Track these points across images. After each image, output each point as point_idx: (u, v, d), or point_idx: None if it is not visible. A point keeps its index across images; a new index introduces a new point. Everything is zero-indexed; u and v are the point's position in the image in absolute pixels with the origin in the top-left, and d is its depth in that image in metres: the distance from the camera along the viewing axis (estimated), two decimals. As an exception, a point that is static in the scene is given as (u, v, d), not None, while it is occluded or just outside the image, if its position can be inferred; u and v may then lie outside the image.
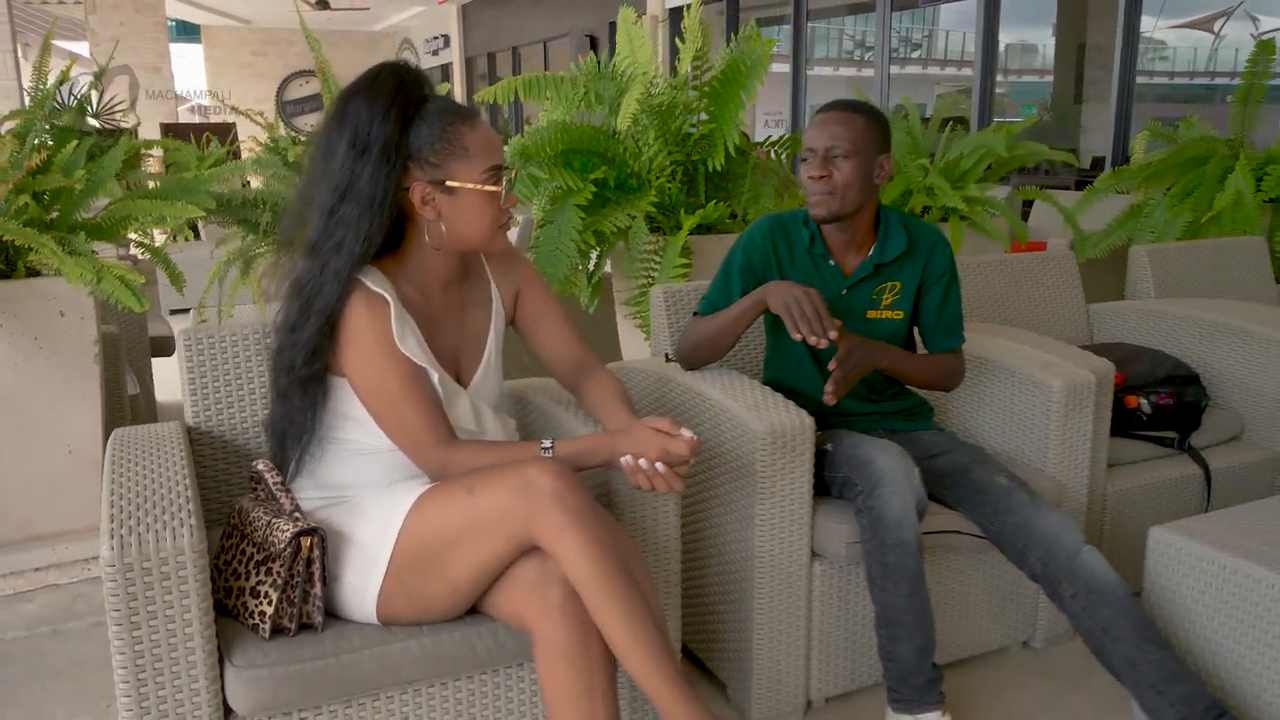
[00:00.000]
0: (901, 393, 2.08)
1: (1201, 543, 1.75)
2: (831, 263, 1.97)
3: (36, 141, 2.15)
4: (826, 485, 1.89)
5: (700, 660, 2.08)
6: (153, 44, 11.62)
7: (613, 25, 10.06)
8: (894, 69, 7.24)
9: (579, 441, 1.53)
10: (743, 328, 1.92)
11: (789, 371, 2.05)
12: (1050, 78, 9.66)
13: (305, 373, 1.50)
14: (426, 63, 15.34)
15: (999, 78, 7.63)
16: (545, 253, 2.69)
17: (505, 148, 2.73)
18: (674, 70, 2.84)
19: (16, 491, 2.22)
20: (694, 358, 2.00)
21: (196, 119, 15.71)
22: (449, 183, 1.49)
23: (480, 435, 1.63)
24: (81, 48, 12.44)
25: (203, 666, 1.35)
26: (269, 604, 1.42)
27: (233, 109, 4.35)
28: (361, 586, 1.47)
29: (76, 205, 2.15)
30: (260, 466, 1.54)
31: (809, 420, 1.81)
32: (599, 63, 2.95)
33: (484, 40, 13.14)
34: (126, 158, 2.31)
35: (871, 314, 1.97)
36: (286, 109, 14.96)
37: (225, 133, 8.48)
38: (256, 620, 1.43)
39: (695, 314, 2.04)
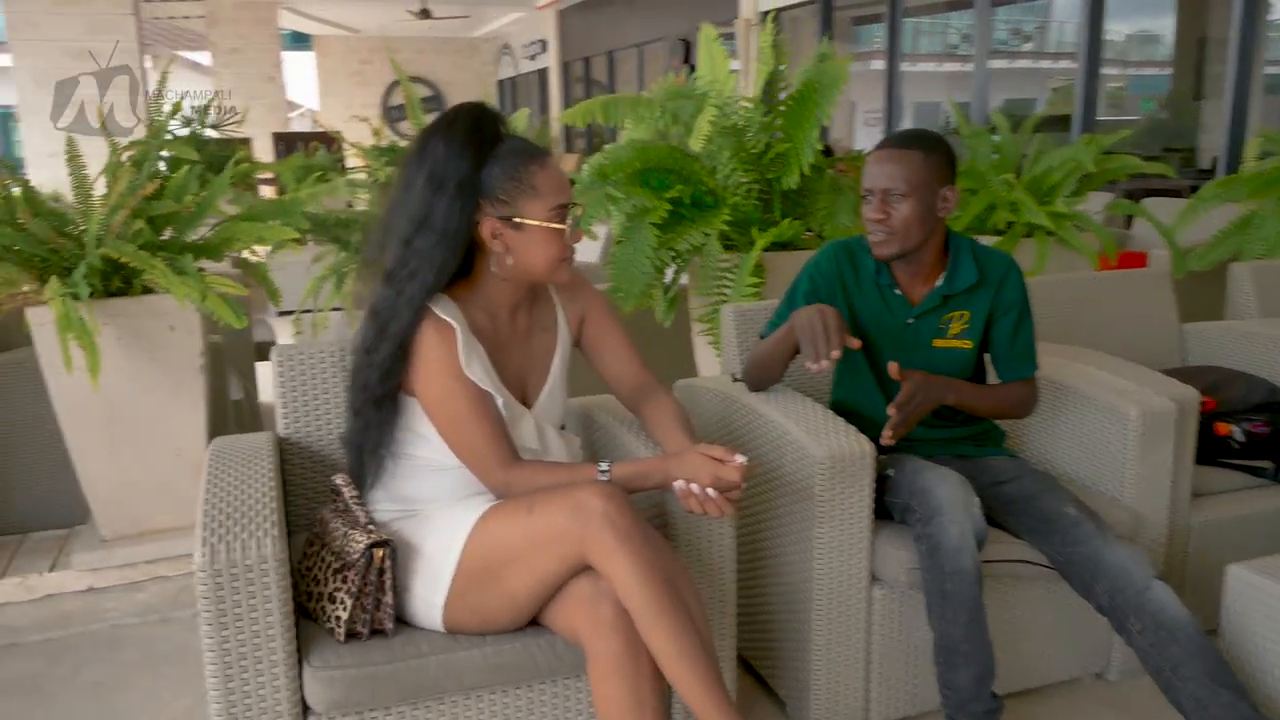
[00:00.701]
0: (970, 418, 2.07)
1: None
2: (898, 292, 1.98)
3: (152, 169, 2.32)
4: (888, 510, 1.90)
5: (761, 676, 2.12)
6: (267, 54, 12.16)
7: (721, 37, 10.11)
8: (1003, 63, 7.02)
9: (635, 464, 1.59)
10: (785, 353, 1.93)
11: (855, 395, 2.06)
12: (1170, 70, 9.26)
13: (379, 392, 1.60)
14: (524, 68, 15.64)
15: (1116, 70, 7.27)
16: (621, 269, 2.76)
17: (585, 168, 2.81)
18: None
19: (132, 489, 2.40)
20: (754, 379, 2.04)
21: (307, 125, 16.38)
22: (517, 219, 1.57)
23: (544, 454, 1.71)
24: (203, 57, 13.12)
25: (283, 666, 1.46)
26: (344, 609, 1.52)
27: (322, 126, 4.54)
28: (428, 597, 1.56)
29: (186, 228, 2.31)
30: (338, 481, 1.64)
31: (869, 446, 1.83)
32: (690, 73, 2.99)
33: (580, 45, 13.32)
34: (234, 180, 2.47)
35: (939, 343, 1.97)
36: (391, 114, 15.44)
37: (331, 140, 8.82)
38: (333, 624, 1.53)
39: (761, 337, 2.07)
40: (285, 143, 8.38)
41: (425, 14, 12.47)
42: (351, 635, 1.53)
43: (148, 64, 20.39)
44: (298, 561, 1.66)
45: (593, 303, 1.81)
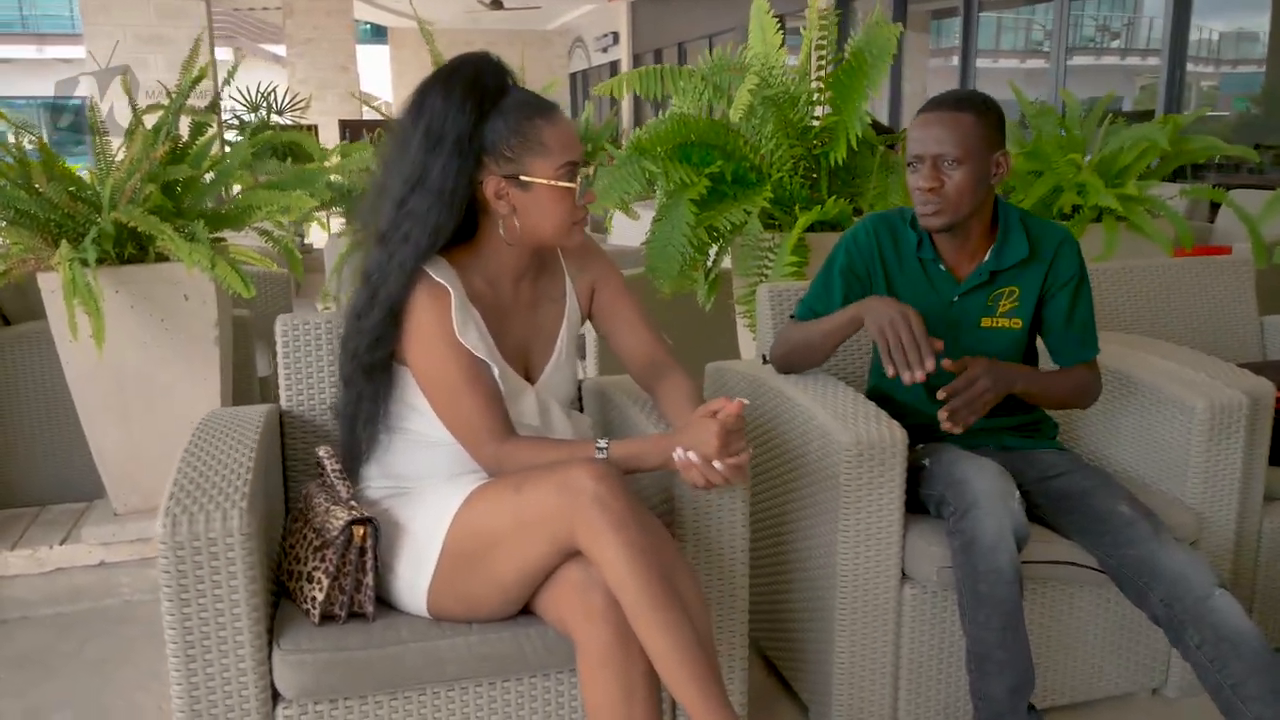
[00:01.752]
0: (1018, 407, 1.89)
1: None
2: (942, 267, 1.81)
3: (172, 134, 2.27)
4: (923, 503, 1.75)
5: (784, 677, 1.98)
6: (341, 46, 12.30)
7: (777, 19, 9.91)
8: (1088, 59, 6.74)
9: (636, 443, 1.46)
10: (836, 343, 1.80)
11: (893, 381, 1.90)
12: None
13: (368, 360, 1.50)
14: (596, 60, 15.60)
15: (1210, 69, 6.94)
16: (657, 248, 2.63)
17: (624, 143, 2.69)
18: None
19: (144, 462, 2.36)
20: (788, 363, 1.90)
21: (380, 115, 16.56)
22: (524, 177, 1.46)
23: (546, 432, 1.59)
24: (282, 50, 13.34)
25: (250, 647, 1.37)
26: (320, 590, 1.42)
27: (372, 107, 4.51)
28: (413, 579, 1.46)
29: (203, 195, 2.26)
30: (321, 453, 1.55)
31: (900, 434, 1.68)
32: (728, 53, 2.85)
33: (652, 37, 13.21)
34: (255, 150, 2.41)
35: (986, 322, 1.80)
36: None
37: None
38: (309, 605, 1.44)
39: (791, 317, 1.93)
40: (351, 130, 8.45)
41: (497, 5, 12.49)
42: (327, 618, 1.44)
43: (226, 54, 20.86)
44: (282, 539, 1.58)
45: (604, 273, 1.69)
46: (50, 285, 2.11)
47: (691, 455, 1.39)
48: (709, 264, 2.89)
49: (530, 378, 1.61)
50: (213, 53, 7.34)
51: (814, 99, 2.64)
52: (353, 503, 1.47)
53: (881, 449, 1.67)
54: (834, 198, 2.59)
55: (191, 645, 1.35)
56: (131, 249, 2.20)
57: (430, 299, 1.46)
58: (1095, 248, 2.88)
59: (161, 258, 2.20)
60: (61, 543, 2.31)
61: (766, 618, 2.01)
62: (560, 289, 1.66)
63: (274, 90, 7.68)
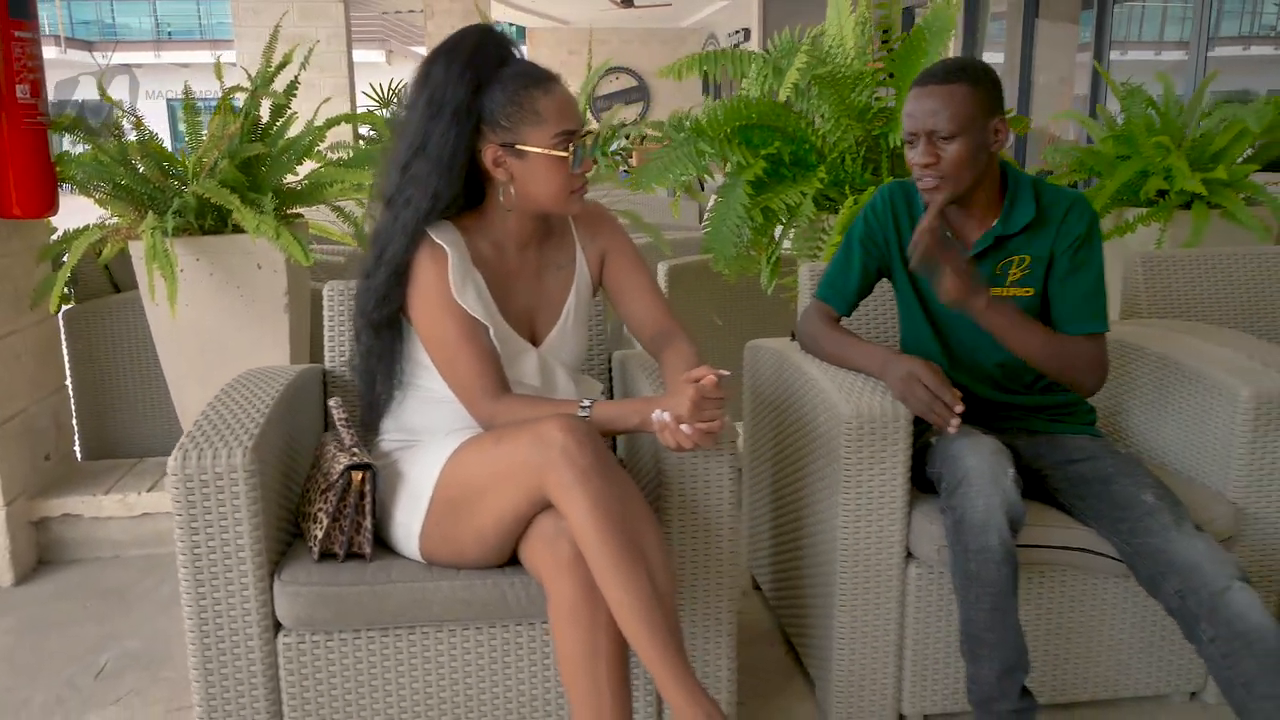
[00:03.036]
0: (1049, 388, 1.83)
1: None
2: (949, 235, 1.78)
3: (253, 114, 2.44)
4: (932, 482, 1.72)
5: (798, 654, 1.97)
6: (479, 46, 12.71)
7: (906, 11, 9.66)
8: (1258, 49, 6.33)
9: (619, 404, 1.50)
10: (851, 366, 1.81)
11: (918, 351, 1.88)
12: None
13: (376, 317, 1.59)
14: (728, 57, 15.52)
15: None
16: (713, 230, 2.65)
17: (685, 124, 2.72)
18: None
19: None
20: (805, 345, 1.89)
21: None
22: (519, 146, 1.52)
23: (547, 393, 1.65)
24: (422, 50, 13.92)
25: (253, 577, 1.48)
26: (320, 529, 1.52)
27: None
28: (408, 524, 1.54)
29: (275, 171, 2.42)
30: (331, 404, 1.65)
31: (904, 409, 1.65)
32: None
33: (781, 26, 13.09)
34: (330, 127, 2.56)
35: (996, 291, 1.75)
36: (596, 103, 15.80)
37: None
38: (311, 542, 1.54)
39: (815, 296, 1.91)
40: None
41: (627, 4, 12.64)
42: (328, 555, 1.54)
43: (379, 56, 21.66)
44: (305, 481, 1.69)
45: (615, 242, 1.73)
46: (138, 253, 2.31)
47: (666, 416, 1.42)
48: (771, 247, 2.88)
49: (536, 341, 1.67)
50: (349, 52, 7.74)
51: (875, 79, 2.60)
52: (354, 449, 1.56)
53: (884, 424, 1.65)
54: (891, 179, 2.54)
55: (200, 571, 1.47)
56: (212, 220, 2.38)
57: (430, 260, 1.54)
58: (1184, 235, 2.73)
59: (238, 229, 2.37)
60: (149, 490, 2.52)
61: (784, 593, 2.02)
62: (569, 256, 1.71)
63: (404, 85, 8.03)
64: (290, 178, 2.54)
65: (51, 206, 2.42)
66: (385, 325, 1.60)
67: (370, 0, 14.57)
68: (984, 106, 1.66)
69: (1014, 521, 1.54)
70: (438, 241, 1.55)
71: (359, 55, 19.74)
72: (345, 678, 1.55)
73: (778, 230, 2.81)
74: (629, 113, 15.61)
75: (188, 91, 2.55)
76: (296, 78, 2.51)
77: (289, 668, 1.53)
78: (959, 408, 1.60)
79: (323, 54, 7.49)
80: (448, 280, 1.54)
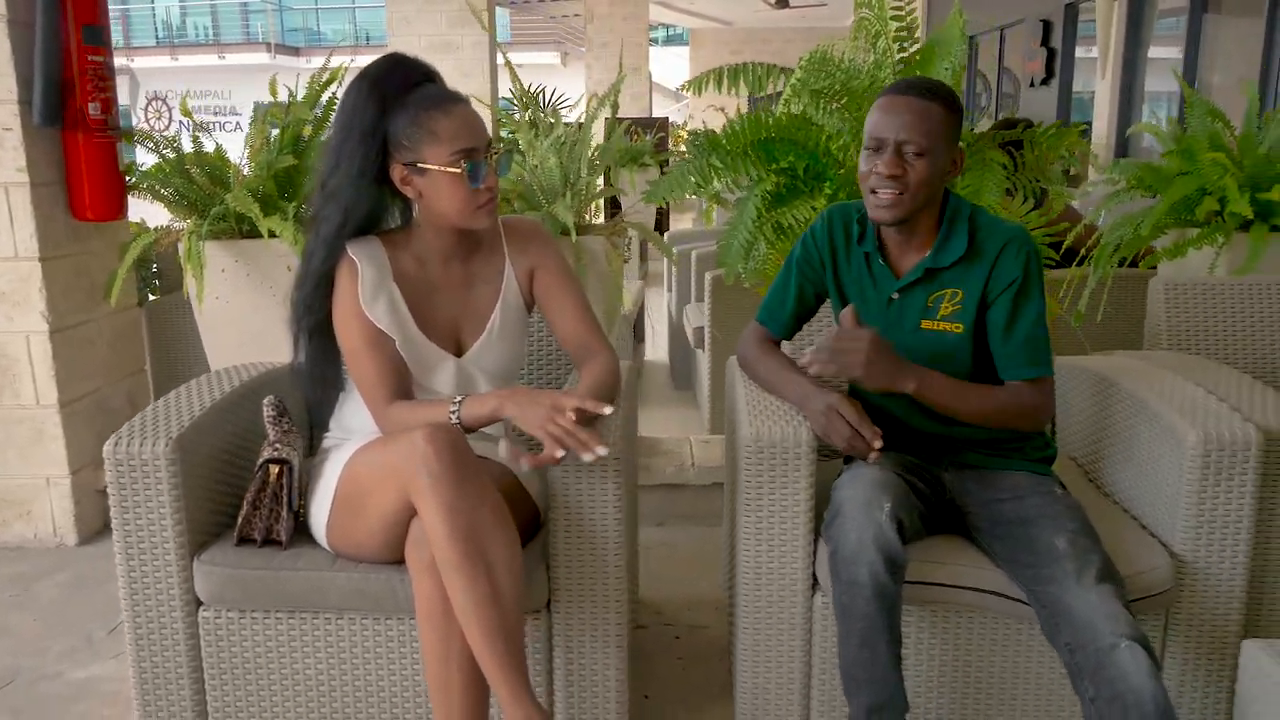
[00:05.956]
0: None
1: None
2: (882, 263, 1.73)
3: (295, 130, 2.64)
4: None
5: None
6: (635, 48, 12.93)
7: (1068, 9, 9.14)
8: None
9: (482, 399, 1.58)
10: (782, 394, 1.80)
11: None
12: None
13: (307, 324, 1.72)
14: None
15: None
16: (724, 244, 2.66)
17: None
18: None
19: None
20: (745, 373, 1.90)
21: (683, 115, 17.19)
22: (420, 164, 1.61)
23: (463, 401, 1.73)
24: (580, 52, 14.29)
25: (175, 555, 1.64)
26: (241, 516, 1.67)
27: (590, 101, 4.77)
28: (319, 516, 1.66)
29: (311, 181, 2.61)
30: (264, 402, 1.79)
31: (808, 435, 1.64)
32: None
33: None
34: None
35: (926, 324, 1.70)
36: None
37: (660, 125, 9.24)
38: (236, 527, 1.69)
39: (755, 319, 1.90)
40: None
41: (783, 4, 12.55)
42: (246, 540, 1.68)
43: (555, 59, 22.29)
44: (255, 471, 1.84)
45: (543, 258, 1.80)
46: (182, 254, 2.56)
47: (503, 446, 1.52)
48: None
49: (461, 351, 1.76)
50: (493, 57, 8.07)
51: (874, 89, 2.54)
52: (277, 445, 1.70)
53: (783, 449, 1.64)
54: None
55: (130, 547, 1.64)
56: (249, 225, 2.60)
57: (344, 273, 1.66)
58: (1242, 260, 2.51)
59: (272, 234, 2.57)
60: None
61: (729, 614, 2.02)
62: (498, 271, 1.78)
63: (541, 90, 8.31)
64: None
65: (120, 210, 2.71)
66: (317, 332, 1.73)
67: (537, 5, 15.10)
68: (953, 133, 1.64)
69: (891, 557, 1.49)
70: (352, 256, 1.66)
71: (534, 58, 20.51)
72: (257, 653, 1.69)
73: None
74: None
75: (273, 93, 2.78)
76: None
77: (208, 639, 1.68)
78: (878, 443, 1.59)
79: (468, 60, 7.88)
80: (357, 293, 1.65)
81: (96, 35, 2.57)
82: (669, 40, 21.72)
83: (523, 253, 1.79)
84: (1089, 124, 8.11)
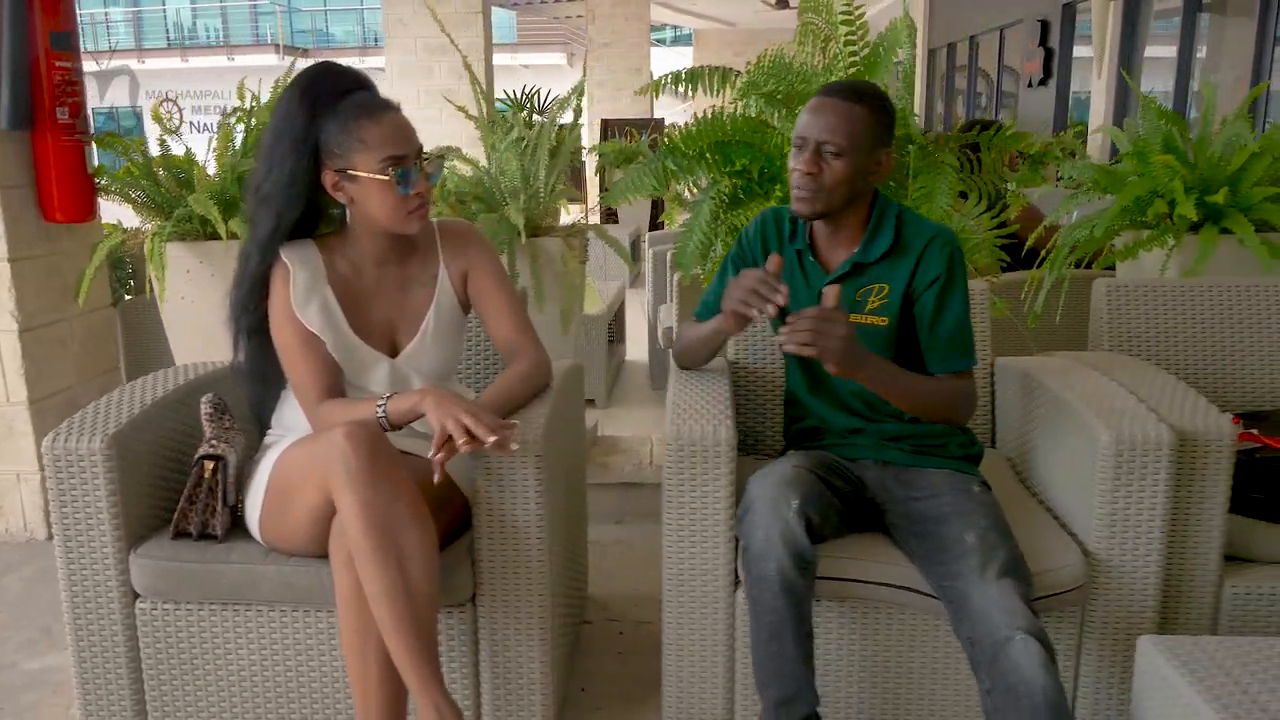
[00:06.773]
0: (915, 419, 1.79)
1: (1185, 672, 1.30)
2: (812, 259, 1.78)
3: (244, 127, 2.69)
4: None
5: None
6: (636, 49, 12.97)
7: (1066, 8, 9.12)
8: None
9: (407, 397, 1.62)
10: (712, 348, 1.87)
11: (791, 380, 1.90)
12: None
13: (244, 323, 1.76)
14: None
15: None
16: (680, 245, 2.69)
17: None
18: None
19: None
20: (682, 361, 1.94)
21: (688, 116, 17.20)
22: (350, 171, 1.65)
23: (397, 400, 1.78)
24: (579, 51, 14.33)
25: (112, 548, 1.69)
26: (177, 510, 1.72)
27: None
28: (252, 511, 1.71)
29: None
30: (202, 400, 1.84)
31: (726, 434, 1.67)
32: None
33: (945, 31, 12.65)
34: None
35: (855, 317, 1.73)
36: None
37: (656, 126, 9.27)
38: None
39: (695, 315, 1.95)
40: (611, 128, 8.97)
41: (783, 5, 12.56)
42: (182, 534, 1.72)
43: (562, 59, 22.27)
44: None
45: (478, 261, 1.84)
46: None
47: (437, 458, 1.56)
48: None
49: (395, 352, 1.80)
50: (488, 61, 8.11)
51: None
52: (213, 441, 1.74)
53: (703, 448, 1.67)
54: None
55: (69, 540, 1.69)
56: (211, 227, 2.64)
57: (278, 276, 1.70)
58: (1191, 262, 2.53)
59: (234, 235, 2.62)
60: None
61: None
62: (432, 274, 1.82)
63: (536, 91, 8.35)
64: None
65: (90, 212, 2.77)
66: (255, 332, 1.77)
67: (541, 6, 15.16)
68: (876, 135, 1.68)
69: (798, 554, 1.53)
70: (285, 260, 1.70)
71: (540, 59, 20.57)
72: (192, 644, 1.73)
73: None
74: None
75: (240, 96, 2.83)
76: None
77: (145, 631, 1.73)
78: (780, 296, 1.59)
79: (460, 63, 7.91)
80: (289, 296, 1.69)
81: (64, 41, 2.63)
82: (677, 41, 21.74)
83: (457, 255, 1.83)
84: (1084, 124, 8.11)
